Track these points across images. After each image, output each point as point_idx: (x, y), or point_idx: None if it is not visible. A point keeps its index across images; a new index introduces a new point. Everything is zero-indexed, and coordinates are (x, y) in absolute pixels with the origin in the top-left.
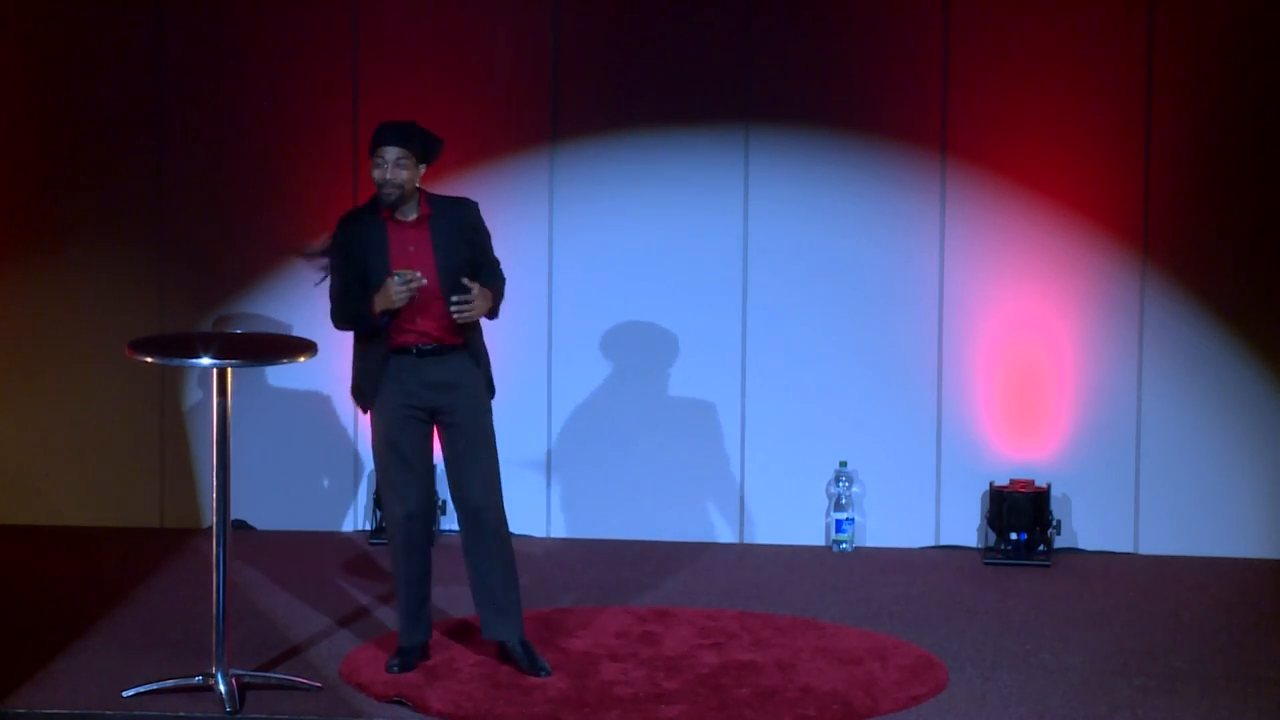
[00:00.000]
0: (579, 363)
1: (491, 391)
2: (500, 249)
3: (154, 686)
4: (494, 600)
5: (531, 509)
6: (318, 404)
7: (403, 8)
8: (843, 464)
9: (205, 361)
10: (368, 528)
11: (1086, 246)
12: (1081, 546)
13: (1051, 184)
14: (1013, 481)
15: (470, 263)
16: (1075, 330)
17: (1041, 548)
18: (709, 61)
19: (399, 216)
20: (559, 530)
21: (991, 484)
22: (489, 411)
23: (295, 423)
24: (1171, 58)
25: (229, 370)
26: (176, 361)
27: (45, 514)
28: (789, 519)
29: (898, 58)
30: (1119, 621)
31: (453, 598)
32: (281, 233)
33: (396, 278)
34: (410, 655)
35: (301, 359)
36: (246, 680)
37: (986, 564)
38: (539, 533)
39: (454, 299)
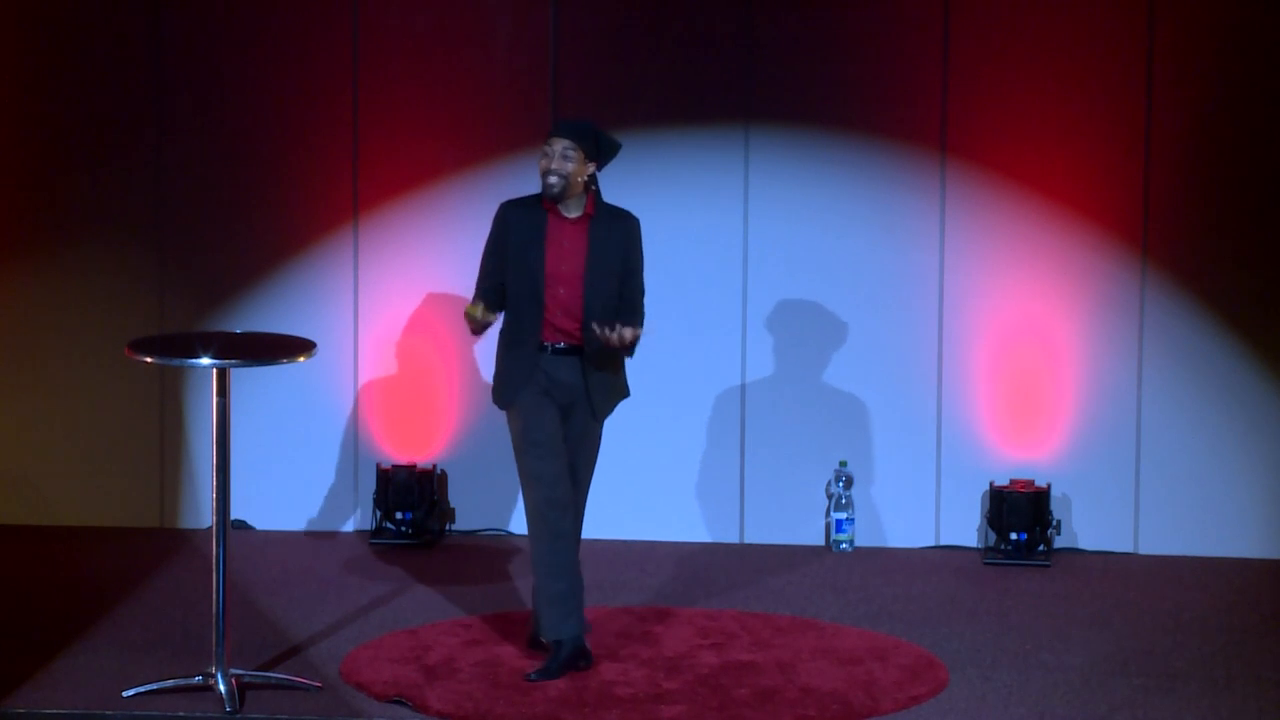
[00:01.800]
0: None
1: (620, 395)
2: None
3: (154, 686)
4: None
5: None
6: (318, 404)
7: (403, 7)
8: (843, 464)
9: (205, 361)
10: (368, 528)
11: (1086, 246)
12: (1081, 546)
13: (1051, 184)
14: (1013, 481)
15: (619, 274)
16: (1075, 330)
17: (1041, 548)
18: (709, 61)
19: (563, 211)
20: None
21: (991, 484)
22: (608, 414)
23: (295, 423)
24: (1171, 58)
25: (229, 370)
26: (176, 361)
27: (45, 514)
28: (789, 519)
29: (898, 58)
30: (1119, 621)
31: (453, 598)
32: (281, 232)
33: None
34: (568, 652)
35: (301, 359)
36: (246, 680)
37: (986, 564)
38: None
39: (595, 325)
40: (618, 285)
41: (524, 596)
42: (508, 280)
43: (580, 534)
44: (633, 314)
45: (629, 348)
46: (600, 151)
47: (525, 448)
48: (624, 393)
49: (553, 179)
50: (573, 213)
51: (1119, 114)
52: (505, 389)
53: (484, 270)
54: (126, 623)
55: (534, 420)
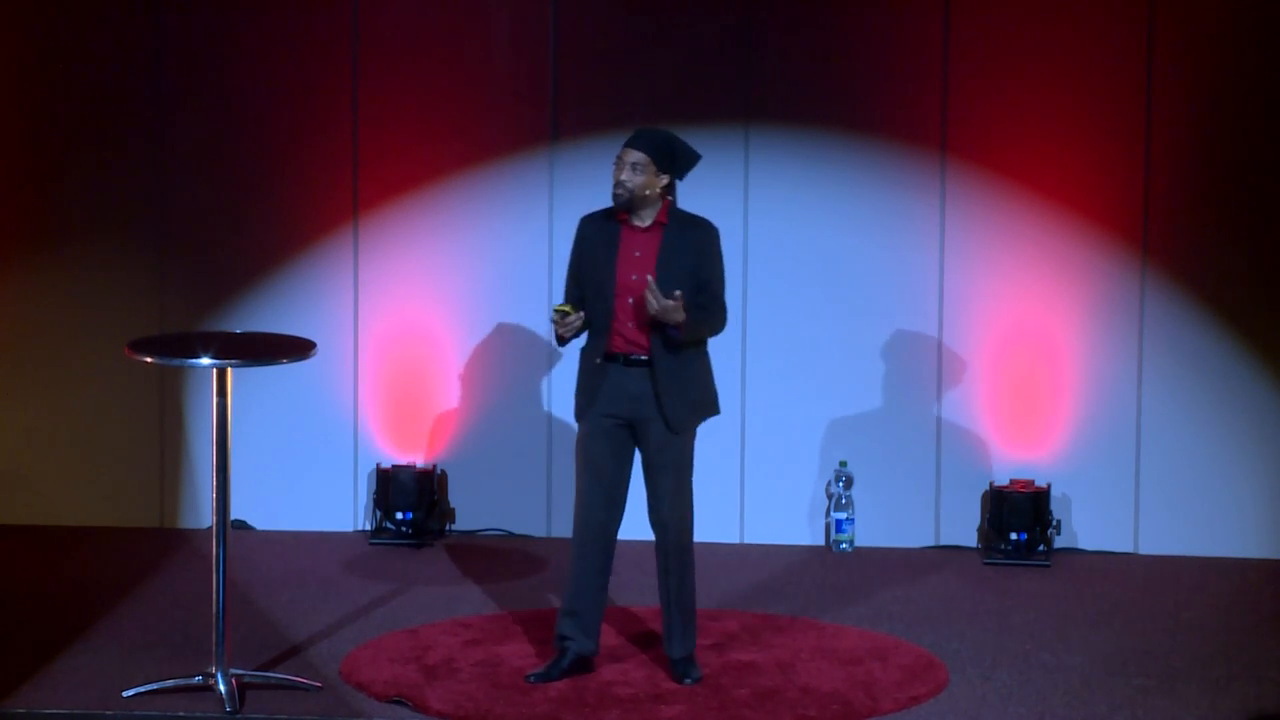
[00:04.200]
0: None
1: (703, 412)
2: (501, 249)
3: (154, 686)
4: (668, 616)
5: (533, 509)
6: (318, 404)
7: (403, 7)
8: (843, 464)
9: (205, 361)
10: (368, 528)
11: (1086, 246)
12: (1081, 546)
13: (1051, 184)
14: (1013, 481)
15: (693, 284)
16: (1075, 330)
17: (1041, 548)
18: (709, 61)
19: (635, 221)
20: (560, 530)
21: (991, 484)
22: (688, 429)
23: (295, 423)
24: (1171, 58)
25: (229, 370)
26: (176, 361)
27: (45, 514)
28: (789, 519)
29: (898, 58)
30: (1119, 621)
31: (453, 598)
32: (281, 232)
33: (555, 314)
34: (570, 660)
35: (301, 359)
36: (246, 680)
37: (986, 564)
38: (539, 533)
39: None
40: (691, 294)
41: (524, 596)
42: (585, 293)
43: (683, 543)
44: (704, 315)
45: (681, 327)
46: (675, 163)
47: (580, 468)
48: (710, 409)
49: (618, 190)
50: (645, 221)
51: (1119, 114)
52: (578, 400)
53: (566, 288)
54: (126, 623)
55: (592, 443)
